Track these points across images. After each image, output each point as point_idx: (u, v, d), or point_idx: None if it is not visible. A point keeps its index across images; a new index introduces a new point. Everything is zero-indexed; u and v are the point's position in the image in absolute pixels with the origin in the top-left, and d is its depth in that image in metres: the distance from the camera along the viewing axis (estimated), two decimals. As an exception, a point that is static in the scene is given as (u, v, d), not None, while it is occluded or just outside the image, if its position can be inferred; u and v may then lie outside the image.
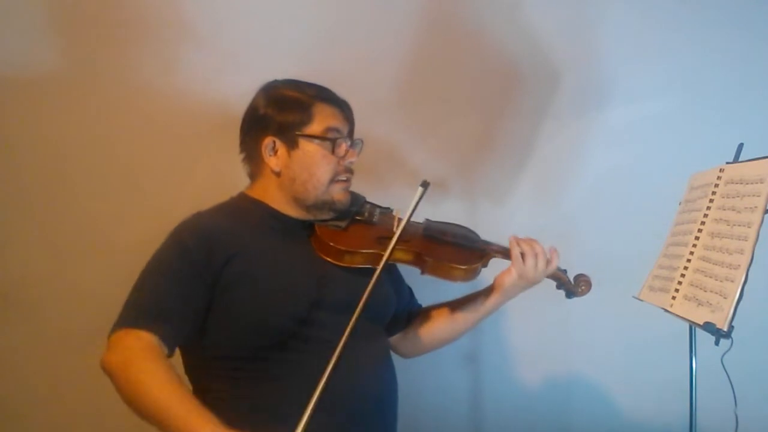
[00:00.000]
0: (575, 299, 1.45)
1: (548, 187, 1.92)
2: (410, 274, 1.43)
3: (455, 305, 1.42)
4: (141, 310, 1.12)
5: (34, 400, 1.76)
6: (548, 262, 1.34)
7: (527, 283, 1.34)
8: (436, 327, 1.43)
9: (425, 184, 1.18)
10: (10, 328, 1.75)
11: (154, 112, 1.78)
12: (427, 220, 1.42)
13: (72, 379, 1.77)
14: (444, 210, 1.80)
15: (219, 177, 1.74)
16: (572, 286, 1.42)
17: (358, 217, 1.33)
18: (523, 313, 1.84)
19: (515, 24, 1.88)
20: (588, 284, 1.42)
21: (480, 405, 1.92)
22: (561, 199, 1.92)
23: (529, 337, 1.92)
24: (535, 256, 1.32)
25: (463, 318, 1.40)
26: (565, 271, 1.43)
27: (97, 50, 1.77)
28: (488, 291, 1.37)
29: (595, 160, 1.92)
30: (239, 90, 1.71)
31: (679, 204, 1.49)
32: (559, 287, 1.44)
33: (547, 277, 1.38)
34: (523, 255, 1.32)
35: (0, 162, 1.75)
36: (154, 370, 1.04)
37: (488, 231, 1.46)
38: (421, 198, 1.17)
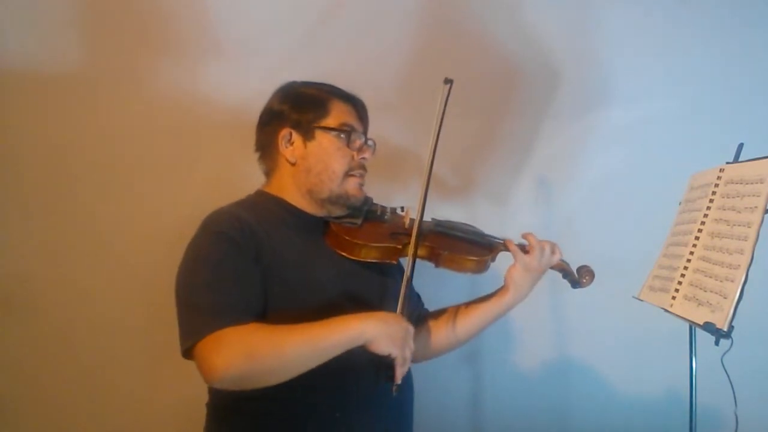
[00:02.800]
0: (575, 302, 1.45)
1: (548, 187, 1.92)
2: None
3: (470, 304, 1.41)
4: (219, 311, 1.07)
5: (34, 400, 1.77)
6: (552, 251, 1.35)
7: (535, 273, 1.35)
8: (450, 327, 1.40)
9: (449, 81, 1.20)
10: (11, 328, 1.75)
11: (154, 113, 1.78)
12: (434, 218, 1.44)
13: (72, 379, 1.77)
14: (444, 210, 1.80)
15: (220, 178, 1.75)
16: (576, 276, 1.43)
17: (370, 215, 1.36)
18: (523, 312, 1.83)
19: (516, 24, 1.89)
20: (591, 274, 1.42)
21: (480, 404, 1.93)
22: (561, 199, 1.92)
23: (530, 336, 1.93)
24: (541, 248, 1.33)
25: (478, 316, 1.38)
26: (567, 264, 1.44)
27: (102, 51, 1.78)
28: (501, 289, 1.37)
29: (595, 160, 1.92)
30: (240, 92, 1.73)
31: (679, 204, 1.49)
32: (564, 277, 1.45)
33: (552, 267, 1.40)
34: (523, 247, 1.34)
35: (1, 162, 1.75)
36: (272, 334, 1.05)
37: (488, 231, 1.46)
38: (448, 97, 1.18)
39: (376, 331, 1.08)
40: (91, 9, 1.77)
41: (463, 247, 1.35)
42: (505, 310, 1.37)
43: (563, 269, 1.43)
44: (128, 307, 1.77)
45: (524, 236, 1.37)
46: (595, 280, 1.42)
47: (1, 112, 1.75)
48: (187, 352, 1.07)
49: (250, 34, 1.80)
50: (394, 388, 1.14)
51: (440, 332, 1.41)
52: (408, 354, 1.13)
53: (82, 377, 1.78)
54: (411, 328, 1.15)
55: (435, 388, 1.84)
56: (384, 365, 1.13)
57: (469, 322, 1.38)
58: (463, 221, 1.49)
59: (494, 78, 1.90)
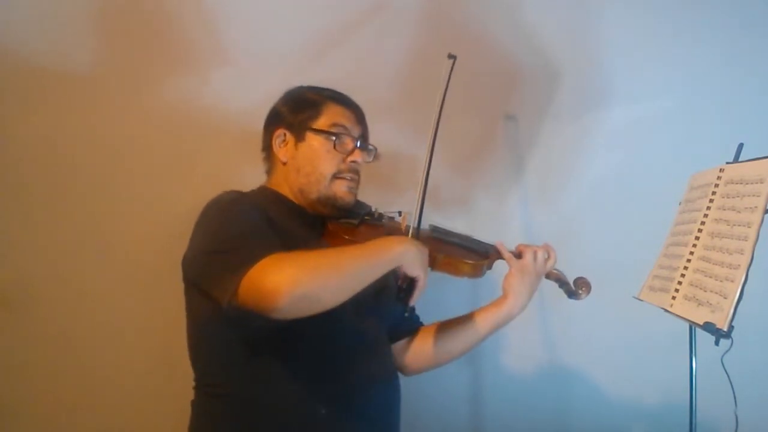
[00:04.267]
0: (575, 302, 1.45)
1: (548, 187, 1.92)
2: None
3: (469, 315, 1.40)
4: (264, 244, 1.04)
5: (34, 400, 1.77)
6: (547, 253, 1.36)
7: (531, 277, 1.35)
8: (450, 338, 1.40)
9: (452, 57, 1.26)
10: (10, 328, 1.75)
11: (154, 113, 1.78)
12: (432, 225, 1.45)
13: (72, 379, 1.77)
14: (444, 210, 1.80)
15: (219, 179, 1.74)
16: (573, 287, 1.44)
17: (367, 218, 1.37)
18: (523, 313, 1.84)
19: (515, 24, 1.89)
20: (587, 286, 1.43)
21: (480, 405, 1.93)
22: (561, 199, 1.92)
23: (530, 337, 1.92)
24: (533, 252, 1.35)
25: (479, 326, 1.37)
26: (563, 274, 1.45)
27: (109, 53, 1.78)
28: (500, 298, 1.37)
29: (595, 160, 1.92)
30: (242, 95, 1.73)
31: (679, 204, 1.49)
32: (560, 287, 1.46)
33: (548, 277, 1.40)
34: (516, 253, 1.36)
35: (1, 161, 1.75)
36: (325, 252, 1.08)
37: (488, 231, 1.46)
38: (450, 73, 1.24)
39: (412, 254, 1.12)
40: (100, 12, 1.77)
41: (459, 251, 1.36)
42: (505, 318, 1.36)
43: (559, 279, 1.44)
44: (128, 307, 1.77)
45: (517, 247, 1.38)
46: (591, 292, 1.42)
47: (3, 111, 1.75)
48: (234, 294, 0.99)
49: (245, 34, 1.80)
50: (408, 310, 1.20)
51: (440, 344, 1.40)
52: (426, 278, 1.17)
53: (81, 377, 1.78)
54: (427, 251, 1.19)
55: (435, 389, 1.84)
56: (402, 288, 1.17)
57: (470, 332, 1.38)
58: (461, 222, 1.50)
59: (494, 78, 1.90)
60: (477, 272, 1.34)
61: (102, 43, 1.77)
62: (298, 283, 0.96)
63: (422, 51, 1.84)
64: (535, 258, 1.34)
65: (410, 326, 1.46)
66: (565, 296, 1.45)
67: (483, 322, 1.37)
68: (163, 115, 1.78)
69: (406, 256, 1.12)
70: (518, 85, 1.90)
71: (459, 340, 1.39)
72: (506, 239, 1.42)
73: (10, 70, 1.74)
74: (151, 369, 1.78)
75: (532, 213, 1.90)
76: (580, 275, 1.44)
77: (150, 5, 1.78)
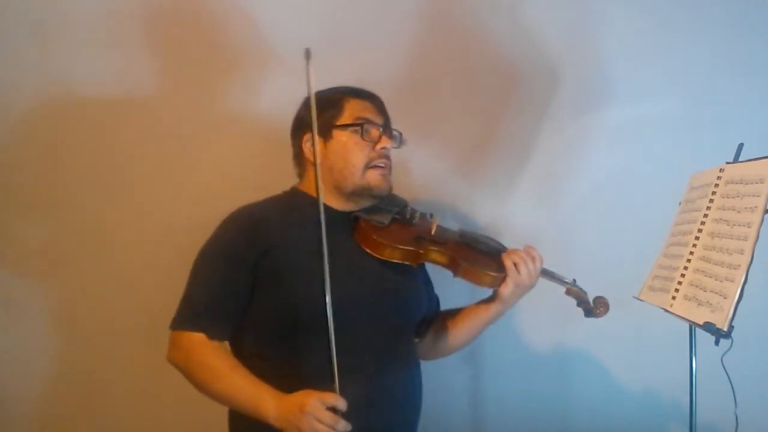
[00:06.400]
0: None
1: (548, 187, 1.92)
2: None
3: (462, 314, 1.44)
4: (192, 312, 1.24)
5: (34, 401, 1.77)
6: (533, 260, 1.37)
7: (524, 290, 1.38)
8: (448, 334, 1.46)
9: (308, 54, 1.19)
10: (11, 328, 1.75)
11: (156, 114, 1.78)
12: (461, 229, 1.47)
13: (72, 379, 1.77)
14: (445, 210, 1.80)
15: (221, 180, 1.74)
16: (591, 306, 1.45)
17: (398, 217, 1.39)
18: (522, 313, 1.84)
19: (515, 24, 1.88)
20: (606, 306, 1.45)
21: (480, 405, 1.93)
22: (561, 199, 1.92)
23: (529, 336, 1.92)
24: (531, 260, 1.35)
25: (468, 327, 1.44)
26: (585, 293, 1.47)
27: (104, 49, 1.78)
28: (489, 301, 1.40)
29: (595, 160, 1.91)
30: (241, 94, 1.73)
31: (679, 204, 1.49)
32: (579, 305, 1.47)
33: (568, 294, 1.44)
34: (516, 264, 1.35)
35: (1, 163, 1.75)
36: (210, 364, 1.20)
37: (488, 231, 1.46)
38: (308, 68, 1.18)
39: (279, 423, 1.13)
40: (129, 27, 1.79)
41: (483, 261, 1.37)
42: (494, 319, 1.41)
43: (579, 297, 1.46)
44: (129, 308, 1.77)
45: (512, 257, 1.37)
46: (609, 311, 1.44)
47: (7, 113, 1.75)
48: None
49: (241, 33, 1.80)
50: None
51: (444, 338, 1.46)
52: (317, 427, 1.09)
53: (82, 377, 1.78)
54: (313, 405, 1.10)
55: (435, 387, 1.84)
56: None
57: (460, 330, 1.44)
58: (461, 221, 1.50)
59: (494, 78, 1.90)
60: (498, 283, 1.36)
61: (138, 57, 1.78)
62: (174, 363, 1.24)
63: (422, 50, 1.84)
64: (530, 273, 1.36)
65: (428, 325, 1.49)
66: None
67: (478, 320, 1.42)
68: (162, 114, 1.78)
69: (269, 420, 1.13)
70: (518, 85, 1.90)
71: (464, 334, 1.45)
72: (506, 239, 1.42)
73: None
74: (152, 371, 1.78)
75: (532, 213, 1.90)
76: (599, 294, 1.45)
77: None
